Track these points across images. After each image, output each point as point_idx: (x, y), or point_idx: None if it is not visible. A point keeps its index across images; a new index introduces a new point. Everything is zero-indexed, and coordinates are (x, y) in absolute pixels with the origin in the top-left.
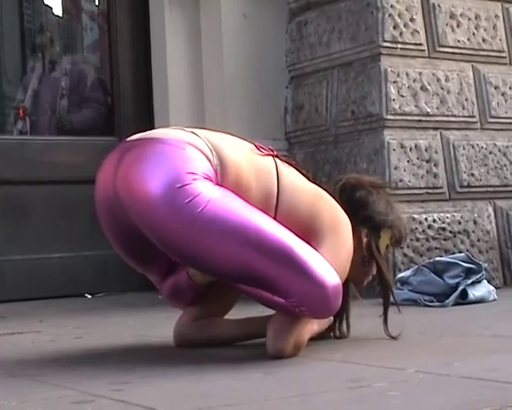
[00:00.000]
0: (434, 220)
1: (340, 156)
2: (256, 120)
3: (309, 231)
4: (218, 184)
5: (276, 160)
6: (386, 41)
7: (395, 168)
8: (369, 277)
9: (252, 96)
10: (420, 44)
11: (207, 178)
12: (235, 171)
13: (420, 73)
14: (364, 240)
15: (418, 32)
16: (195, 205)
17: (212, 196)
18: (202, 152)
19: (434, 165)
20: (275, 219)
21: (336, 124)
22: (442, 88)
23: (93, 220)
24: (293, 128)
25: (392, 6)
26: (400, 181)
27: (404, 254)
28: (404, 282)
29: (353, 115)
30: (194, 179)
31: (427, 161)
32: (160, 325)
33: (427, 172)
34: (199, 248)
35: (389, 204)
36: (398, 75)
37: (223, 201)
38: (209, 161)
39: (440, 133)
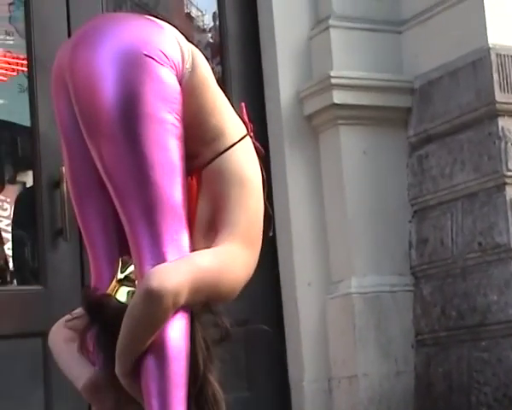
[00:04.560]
0: None
1: (468, 289)
2: (380, 255)
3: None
4: (179, 82)
5: (247, 137)
6: (510, 170)
7: None
8: None
9: (375, 231)
10: None
11: (174, 68)
12: (201, 91)
13: None
14: None
15: None
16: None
17: (160, 117)
18: (181, 49)
19: None
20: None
21: (463, 256)
22: None
23: (226, 364)
24: (418, 262)
25: None
26: None
27: None
28: None
29: (480, 247)
30: (161, 62)
31: None
32: None
33: None
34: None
35: None
36: None
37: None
38: (182, 59)
39: None
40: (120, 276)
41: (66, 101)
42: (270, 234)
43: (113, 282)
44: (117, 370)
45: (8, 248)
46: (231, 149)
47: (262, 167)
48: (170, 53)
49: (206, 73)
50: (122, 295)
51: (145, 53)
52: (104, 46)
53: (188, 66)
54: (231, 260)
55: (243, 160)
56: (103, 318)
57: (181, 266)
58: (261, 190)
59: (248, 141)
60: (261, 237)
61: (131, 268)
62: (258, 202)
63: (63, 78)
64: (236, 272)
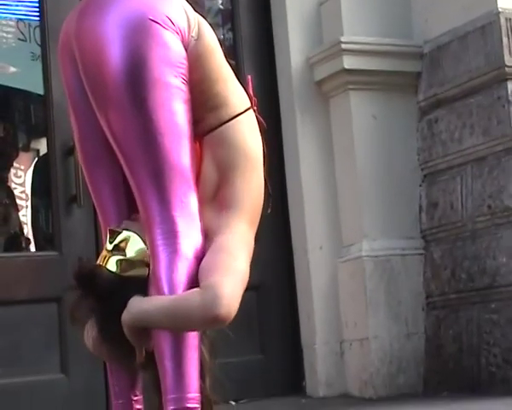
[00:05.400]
0: None
1: (478, 252)
2: (391, 219)
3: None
4: (185, 48)
5: (250, 110)
6: None
7: None
8: None
9: (385, 195)
10: None
11: (179, 34)
12: (206, 59)
13: None
14: None
15: None
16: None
17: (167, 81)
18: (187, 17)
19: None
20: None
21: (473, 219)
22: None
23: (240, 328)
24: (428, 226)
25: None
26: None
27: None
28: None
29: (490, 210)
30: (167, 27)
31: None
32: None
33: None
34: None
35: None
36: None
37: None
38: (188, 26)
39: None
40: (109, 246)
41: (73, 68)
42: (268, 211)
43: (103, 252)
44: (130, 322)
45: (22, 215)
46: (235, 120)
47: (263, 142)
48: (175, 19)
49: (212, 42)
50: (112, 265)
51: (150, 18)
52: (110, 12)
53: (193, 34)
54: (248, 249)
55: (247, 131)
56: (96, 289)
57: (237, 285)
58: (262, 165)
59: (252, 114)
60: (260, 215)
61: (120, 237)
62: (260, 177)
63: (70, 45)
64: (249, 259)
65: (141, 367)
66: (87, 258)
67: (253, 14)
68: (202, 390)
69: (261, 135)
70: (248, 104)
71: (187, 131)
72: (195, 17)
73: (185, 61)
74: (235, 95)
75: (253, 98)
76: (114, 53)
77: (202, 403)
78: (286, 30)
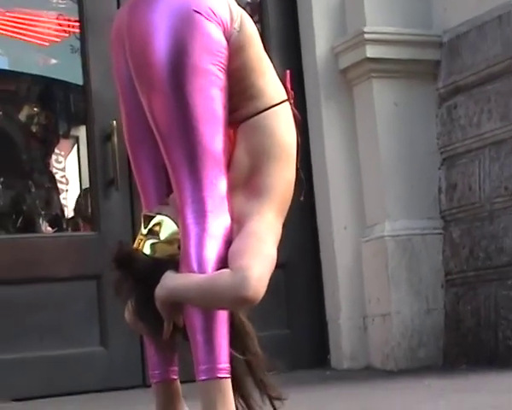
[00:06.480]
0: None
1: (496, 231)
2: (412, 200)
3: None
4: (227, 39)
5: (286, 102)
6: None
7: None
8: None
9: (406, 178)
10: None
11: (221, 25)
12: (246, 50)
13: None
14: None
15: None
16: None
17: (206, 68)
18: (230, 10)
19: None
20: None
21: (490, 200)
22: None
23: (268, 304)
24: (447, 206)
25: None
26: None
27: None
28: None
29: (507, 191)
30: (209, 18)
31: None
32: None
33: None
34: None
35: None
36: None
37: (209, 80)
38: (231, 18)
39: None
40: (144, 231)
41: (124, 59)
42: (302, 199)
43: (139, 236)
44: (162, 296)
45: (63, 198)
46: (271, 110)
47: (298, 134)
48: (218, 11)
49: (252, 35)
50: (147, 248)
51: (195, 9)
52: (158, 4)
53: (236, 26)
54: (276, 236)
55: (282, 122)
56: (132, 270)
57: (265, 268)
58: (295, 156)
59: (288, 106)
60: (289, 205)
61: (154, 221)
62: (293, 168)
63: (121, 36)
64: (276, 245)
65: (169, 339)
66: (125, 241)
67: (280, 6)
68: (255, 354)
69: (296, 127)
70: (285, 96)
71: (221, 117)
72: (238, 11)
73: (225, 51)
74: (272, 86)
75: (290, 92)
76: (160, 40)
77: (255, 367)
78: (311, 21)
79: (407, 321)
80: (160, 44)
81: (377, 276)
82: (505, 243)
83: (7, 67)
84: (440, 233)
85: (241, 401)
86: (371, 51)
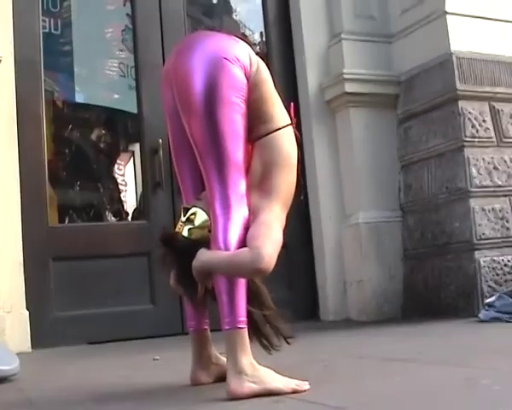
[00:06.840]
0: (509, 260)
1: (439, 219)
2: (379, 197)
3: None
4: (247, 78)
5: (290, 126)
6: (467, 136)
7: (479, 225)
8: None
9: (375, 179)
10: (491, 138)
11: (243, 68)
12: (261, 87)
13: (492, 158)
14: None
15: (489, 128)
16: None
17: (231, 100)
18: (250, 57)
19: (506, 221)
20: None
21: (436, 196)
22: (508, 167)
23: (274, 274)
24: (404, 201)
25: (469, 112)
26: (483, 234)
27: (489, 286)
28: (490, 305)
29: (447, 190)
30: (234, 63)
31: (501, 219)
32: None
33: (502, 226)
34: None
35: None
36: (477, 160)
37: (234, 109)
38: (250, 63)
39: (509, 199)
40: (183, 219)
41: (171, 93)
42: (301, 198)
43: (179, 223)
44: (198, 267)
45: (123, 196)
46: (279, 131)
47: (298, 150)
48: (241, 58)
49: (266, 76)
50: (185, 232)
51: (224, 56)
52: (196, 52)
53: (254, 69)
54: (281, 224)
55: (286, 141)
56: (174, 248)
57: (274, 248)
58: (296, 166)
59: (291, 129)
60: (291, 201)
61: (190, 212)
62: (294, 174)
63: (169, 76)
64: (281, 231)
65: (201, 298)
66: (168, 227)
67: (281, 55)
68: (269, 307)
69: (296, 144)
70: (289, 121)
71: (242, 136)
72: (256, 58)
73: (245, 87)
74: (279, 114)
75: (293, 119)
76: (197, 80)
77: (270, 317)
78: (305, 65)
79: (375, 286)
80: (198, 83)
81: (354, 253)
82: (446, 227)
83: (82, 101)
84: (400, 221)
85: (263, 340)
86: (349, 87)
